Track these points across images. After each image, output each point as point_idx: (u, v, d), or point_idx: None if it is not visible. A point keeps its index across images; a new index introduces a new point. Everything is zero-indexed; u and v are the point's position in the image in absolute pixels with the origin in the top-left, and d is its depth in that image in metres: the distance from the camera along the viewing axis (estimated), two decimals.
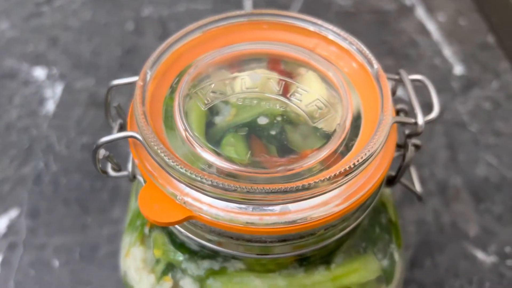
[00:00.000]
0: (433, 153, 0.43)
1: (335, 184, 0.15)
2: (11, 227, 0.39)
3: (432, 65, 0.50)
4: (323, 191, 0.16)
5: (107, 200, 0.40)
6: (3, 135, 0.44)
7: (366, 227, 0.20)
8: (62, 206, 0.40)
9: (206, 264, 0.19)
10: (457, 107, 0.46)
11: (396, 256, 0.21)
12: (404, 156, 0.19)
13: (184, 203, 0.16)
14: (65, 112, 0.46)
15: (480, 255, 0.37)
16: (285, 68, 0.20)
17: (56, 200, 0.40)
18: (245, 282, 0.19)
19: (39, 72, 0.49)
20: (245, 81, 0.19)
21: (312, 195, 0.16)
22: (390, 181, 0.20)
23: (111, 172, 0.20)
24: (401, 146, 0.20)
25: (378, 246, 0.20)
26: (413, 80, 0.20)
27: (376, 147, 0.16)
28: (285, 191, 0.15)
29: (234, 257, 0.18)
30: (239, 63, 0.20)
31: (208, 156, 0.17)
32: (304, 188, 0.15)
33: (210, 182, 0.15)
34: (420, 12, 0.54)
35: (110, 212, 0.39)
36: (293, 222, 0.16)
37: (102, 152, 0.19)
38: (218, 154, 0.17)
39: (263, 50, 0.21)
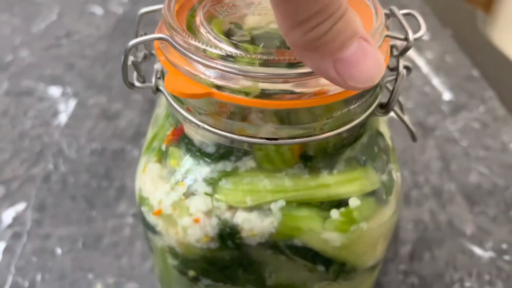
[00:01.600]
0: (427, 163, 0.45)
1: None
2: (17, 219, 0.39)
3: (422, 92, 0.53)
4: None
5: (113, 197, 0.41)
6: (16, 141, 0.46)
7: (365, 144, 0.22)
8: (68, 201, 0.41)
9: (219, 166, 0.21)
10: (448, 126, 0.49)
11: (395, 175, 0.22)
12: (396, 78, 0.22)
13: (205, 82, 0.18)
14: (77, 124, 0.48)
15: (477, 250, 0.38)
16: None
17: (63, 196, 0.41)
18: (254, 182, 0.20)
19: (54, 91, 0.52)
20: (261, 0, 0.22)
21: (315, 76, 0.18)
22: (384, 106, 0.22)
23: (137, 83, 0.22)
24: (393, 70, 0.22)
25: (377, 163, 0.22)
26: (404, 14, 0.23)
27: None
28: (291, 63, 0.17)
29: (245, 151, 0.20)
30: None
31: (227, 48, 0.19)
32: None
33: (229, 53, 0.18)
34: (411, 52, 0.59)
35: (115, 207, 0.40)
36: (299, 95, 0.18)
37: (131, 59, 0.21)
38: (236, 47, 0.19)
39: None
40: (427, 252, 0.38)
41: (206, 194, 0.20)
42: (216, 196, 0.21)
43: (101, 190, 0.42)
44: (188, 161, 0.21)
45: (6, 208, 0.40)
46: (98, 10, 0.66)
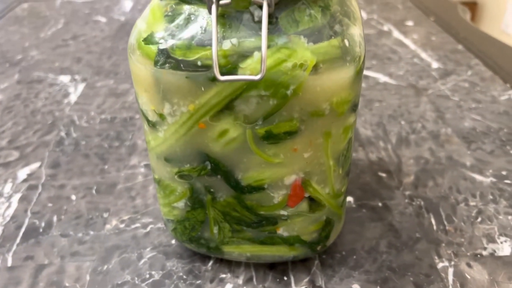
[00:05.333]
0: (422, 114, 0.47)
1: None
2: (31, 175, 0.40)
3: (412, 62, 0.56)
4: None
5: (125, 153, 0.43)
6: (28, 116, 0.48)
7: None
8: (81, 159, 0.42)
9: None
10: (439, 86, 0.52)
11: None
12: None
13: None
14: (86, 101, 0.50)
15: (478, 177, 0.39)
16: None
17: (76, 155, 0.42)
18: None
19: (63, 78, 0.55)
20: None
21: None
22: None
23: None
24: None
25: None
26: None
27: None
28: None
29: None
30: None
31: None
32: None
33: None
34: (396, 34, 0.63)
35: (128, 161, 0.42)
36: None
37: None
38: None
39: None
40: (430, 181, 0.39)
41: None
42: None
43: (113, 148, 0.43)
44: None
45: (21, 167, 0.41)
46: (101, 19, 0.70)
